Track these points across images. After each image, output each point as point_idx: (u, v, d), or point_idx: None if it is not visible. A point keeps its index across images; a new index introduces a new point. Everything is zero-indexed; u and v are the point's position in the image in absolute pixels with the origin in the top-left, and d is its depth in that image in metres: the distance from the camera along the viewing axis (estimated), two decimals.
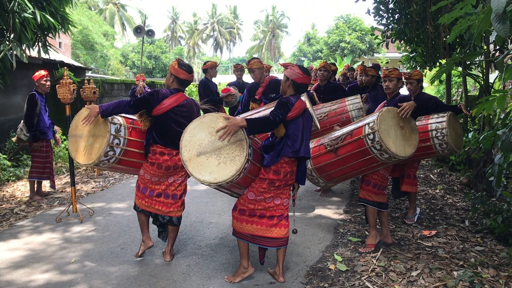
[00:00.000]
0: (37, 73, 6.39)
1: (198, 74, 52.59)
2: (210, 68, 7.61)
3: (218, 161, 3.32)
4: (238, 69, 8.10)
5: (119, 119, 4.04)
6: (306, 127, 3.71)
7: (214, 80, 7.79)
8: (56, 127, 6.85)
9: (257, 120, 3.53)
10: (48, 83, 6.45)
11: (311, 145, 4.83)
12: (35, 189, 6.66)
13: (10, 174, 7.84)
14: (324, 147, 4.70)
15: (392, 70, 4.88)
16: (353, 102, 6.21)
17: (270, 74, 6.66)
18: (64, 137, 8.37)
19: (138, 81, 10.33)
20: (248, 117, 3.71)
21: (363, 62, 25.14)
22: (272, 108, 3.64)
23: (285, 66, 3.80)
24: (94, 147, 3.91)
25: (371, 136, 4.12)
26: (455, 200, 6.44)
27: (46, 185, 7.17)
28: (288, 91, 3.72)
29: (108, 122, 3.89)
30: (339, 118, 6.14)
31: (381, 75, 4.95)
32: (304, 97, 5.24)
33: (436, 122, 5.06)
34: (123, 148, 3.99)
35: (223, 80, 26.62)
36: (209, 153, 3.35)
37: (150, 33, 11.10)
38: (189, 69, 4.10)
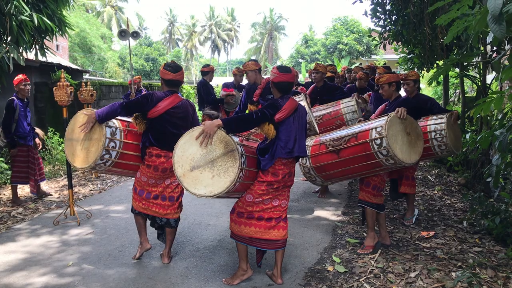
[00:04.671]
0: (16, 78, 6.35)
1: (196, 76, 52.61)
2: (207, 73, 7.93)
3: (212, 174, 3.32)
4: (240, 74, 8.20)
5: (114, 122, 4.03)
6: (300, 126, 3.70)
7: (210, 83, 8.07)
8: (38, 130, 6.81)
9: (234, 118, 3.54)
10: (28, 87, 6.42)
11: (310, 142, 4.81)
12: (17, 193, 6.66)
13: (8, 177, 7.81)
14: (325, 146, 4.65)
15: (379, 77, 4.86)
16: (347, 105, 6.24)
17: (268, 76, 6.69)
18: (61, 139, 8.35)
19: (131, 84, 10.39)
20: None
21: (360, 63, 25.18)
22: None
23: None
24: (90, 150, 3.90)
25: (378, 141, 4.08)
26: (453, 201, 6.44)
27: (43, 187, 7.16)
28: (275, 93, 3.74)
29: (103, 126, 3.88)
30: (334, 121, 6.16)
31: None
32: (303, 101, 5.25)
33: (435, 123, 5.06)
34: (119, 151, 3.98)
35: (220, 82, 26.61)
36: (203, 167, 3.34)
37: (135, 34, 11.17)
38: (174, 69, 4.09)
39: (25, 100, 6.49)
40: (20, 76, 6.36)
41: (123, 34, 10.61)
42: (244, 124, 3.53)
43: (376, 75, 6.82)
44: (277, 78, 3.68)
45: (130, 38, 10.78)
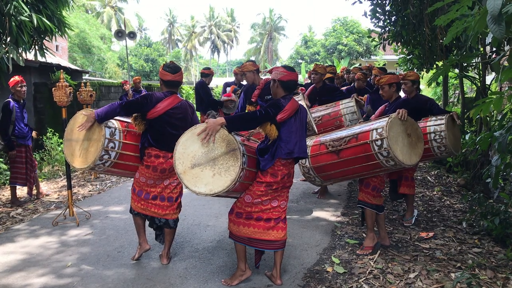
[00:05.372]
0: (12, 79, 6.32)
1: (195, 76, 52.63)
2: (208, 75, 8.04)
3: (213, 172, 3.31)
4: (241, 73, 8.24)
5: (114, 122, 4.02)
6: (301, 127, 3.70)
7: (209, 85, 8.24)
8: (33, 133, 6.80)
9: (238, 117, 3.54)
10: (24, 88, 6.39)
11: (310, 142, 4.80)
12: (16, 194, 6.65)
13: (7, 178, 7.79)
14: (325, 147, 4.63)
15: (379, 79, 4.88)
16: (347, 106, 6.23)
17: (267, 76, 6.70)
18: (61, 140, 8.34)
19: (124, 85, 10.42)
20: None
21: (360, 64, 25.17)
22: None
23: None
24: (90, 151, 3.90)
25: (378, 142, 4.07)
26: (452, 202, 6.44)
27: (42, 188, 7.14)
28: (279, 92, 3.72)
29: (102, 126, 3.87)
30: (333, 122, 6.15)
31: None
32: (302, 101, 5.25)
33: (434, 124, 5.05)
34: (118, 151, 3.97)
35: (220, 82, 26.62)
36: (203, 165, 3.33)
37: (132, 35, 11.21)
38: (173, 70, 4.09)
39: (22, 101, 6.47)
40: (16, 78, 6.33)
41: (119, 34, 10.65)
42: (247, 122, 3.52)
43: (372, 76, 6.84)
44: (286, 77, 3.68)
45: (127, 38, 10.80)
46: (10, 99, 6.30)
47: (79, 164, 3.95)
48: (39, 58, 7.14)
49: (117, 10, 49.71)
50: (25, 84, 6.44)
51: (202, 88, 7.77)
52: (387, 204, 6.17)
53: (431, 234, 4.98)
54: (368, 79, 7.90)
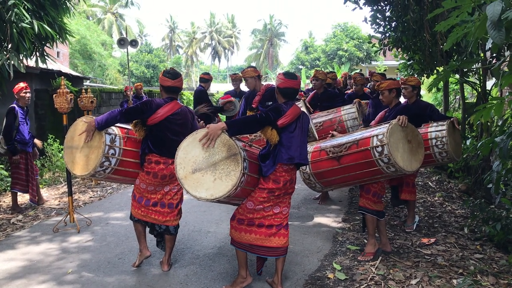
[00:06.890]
0: (16, 86, 6.37)
1: (196, 82, 52.71)
2: (207, 80, 7.94)
3: (214, 177, 3.30)
4: (234, 79, 8.20)
5: (114, 129, 4.02)
6: (302, 133, 3.70)
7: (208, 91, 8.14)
8: (36, 140, 6.81)
9: (238, 120, 3.55)
10: (28, 95, 6.43)
11: (310, 148, 4.79)
12: (17, 201, 6.65)
13: (7, 184, 7.79)
14: (325, 153, 4.63)
15: (379, 84, 4.89)
16: (348, 112, 6.24)
17: (268, 82, 6.71)
18: (61, 146, 8.35)
19: (126, 91, 10.42)
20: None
21: (360, 70, 25.20)
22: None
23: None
24: (90, 158, 3.90)
25: (379, 149, 4.07)
26: (454, 207, 6.43)
27: (43, 194, 7.13)
28: (279, 99, 3.75)
29: (103, 133, 3.87)
30: (334, 127, 6.16)
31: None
32: (302, 108, 5.25)
33: (435, 130, 5.04)
34: (118, 158, 3.97)
35: (221, 88, 26.69)
36: (204, 170, 3.32)
37: (134, 43, 11.28)
38: (173, 76, 4.10)
39: (25, 108, 6.50)
40: (21, 84, 6.37)
41: (122, 42, 10.72)
42: (248, 125, 3.51)
43: (371, 81, 6.85)
44: (282, 84, 3.69)
45: (129, 47, 10.87)
46: (14, 105, 6.33)
47: (80, 171, 3.95)
48: (40, 65, 7.17)
49: (118, 16, 49.82)
50: (29, 90, 6.48)
51: (199, 95, 7.68)
52: (388, 210, 6.15)
53: (432, 240, 4.97)
54: (368, 85, 7.91)
